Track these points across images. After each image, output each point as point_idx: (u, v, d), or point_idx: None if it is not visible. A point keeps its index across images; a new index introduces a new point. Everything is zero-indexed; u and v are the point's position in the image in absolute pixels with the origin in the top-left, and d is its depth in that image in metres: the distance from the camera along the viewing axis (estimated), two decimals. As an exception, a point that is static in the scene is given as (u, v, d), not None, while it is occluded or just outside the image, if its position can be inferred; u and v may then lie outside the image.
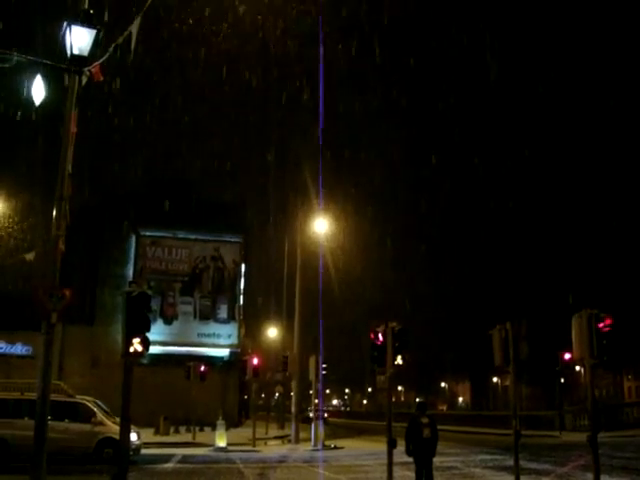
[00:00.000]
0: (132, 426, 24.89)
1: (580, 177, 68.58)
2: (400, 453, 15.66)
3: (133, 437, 23.34)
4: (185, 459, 24.12)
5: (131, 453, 22.74)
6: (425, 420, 16.14)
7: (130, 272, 43.25)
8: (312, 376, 33.19)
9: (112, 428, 23.19)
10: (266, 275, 53.67)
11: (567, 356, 41.71)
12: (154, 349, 11.66)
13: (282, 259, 42.64)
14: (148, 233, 44.48)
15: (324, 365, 34.92)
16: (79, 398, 23.53)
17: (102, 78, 11.33)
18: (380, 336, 15.33)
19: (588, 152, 69.73)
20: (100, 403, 24.17)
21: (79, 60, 11.08)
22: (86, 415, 23.03)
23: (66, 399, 23.11)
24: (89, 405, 23.39)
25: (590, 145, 70.47)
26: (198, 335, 44.16)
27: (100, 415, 23.35)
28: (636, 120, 63.60)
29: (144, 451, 23.40)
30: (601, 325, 13.72)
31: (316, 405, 34.64)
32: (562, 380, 75.06)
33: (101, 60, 11.30)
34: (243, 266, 46.89)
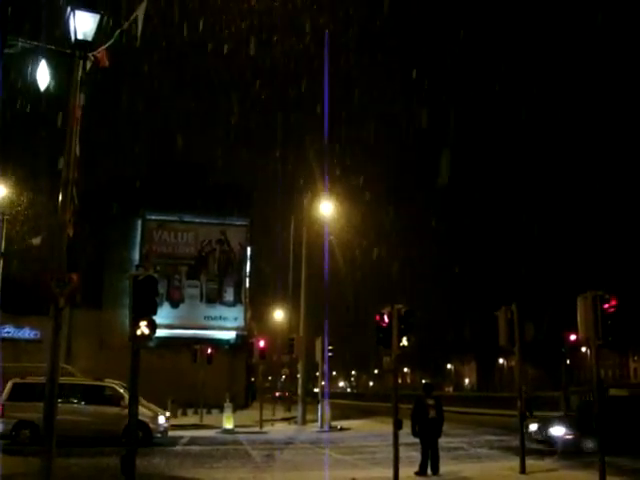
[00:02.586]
0: (159, 409, 25.40)
1: (585, 160, 68.45)
2: (406, 434, 15.77)
3: (161, 419, 23.72)
4: (193, 441, 24.29)
5: (159, 435, 23.14)
6: (431, 401, 16.29)
7: (137, 256, 43.34)
8: (318, 358, 33.35)
9: (141, 411, 23.46)
10: (272, 258, 53.75)
11: (572, 337, 41.74)
12: (161, 332, 11.77)
13: (288, 242, 42.71)
14: (154, 217, 44.54)
15: (330, 347, 35.02)
16: (107, 382, 23.74)
17: (107, 63, 11.34)
18: (386, 318, 15.36)
19: (591, 137, 69.59)
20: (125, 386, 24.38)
21: (83, 45, 11.08)
22: (115, 398, 23.25)
23: (95, 383, 23.48)
24: (117, 388, 23.60)
25: (592, 131, 70.29)
26: (205, 318, 44.31)
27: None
28: (626, 108, 63.37)
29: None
30: (606, 306, 13.75)
31: (322, 387, 34.80)
32: (567, 361, 75.24)
33: (106, 45, 11.31)
34: (249, 249, 46.97)
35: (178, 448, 21.92)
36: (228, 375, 40.01)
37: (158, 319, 11.74)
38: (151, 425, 23.16)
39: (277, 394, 58.71)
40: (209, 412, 36.09)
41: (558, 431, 19.71)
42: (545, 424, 21.20)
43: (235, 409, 31.21)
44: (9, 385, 22.48)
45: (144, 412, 23.61)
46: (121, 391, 23.40)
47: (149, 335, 11.54)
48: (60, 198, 11.13)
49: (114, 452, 14.49)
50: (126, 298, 12.33)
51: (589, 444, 17.17)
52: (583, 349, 68.81)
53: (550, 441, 20.04)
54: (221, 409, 31.06)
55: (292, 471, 16.98)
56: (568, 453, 18.62)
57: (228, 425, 29.52)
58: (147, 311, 11.50)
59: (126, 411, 22.70)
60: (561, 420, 21.51)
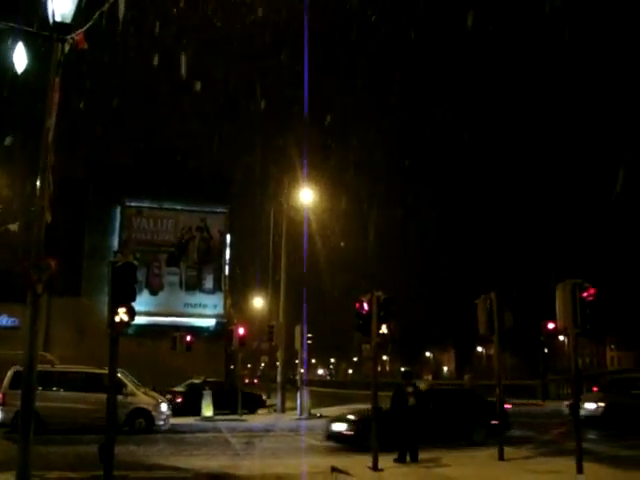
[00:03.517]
0: (159, 396, 25.48)
1: (560, 148, 68.75)
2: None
3: (163, 407, 23.80)
4: (172, 428, 24.22)
5: (162, 423, 23.23)
6: (410, 389, 16.34)
7: (115, 243, 43.03)
8: (298, 345, 33.39)
9: (143, 399, 23.60)
10: (252, 245, 53.63)
11: (550, 326, 42.03)
12: (140, 320, 11.69)
13: (268, 229, 42.62)
14: (133, 203, 44.21)
15: (309, 335, 35.05)
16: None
17: (86, 46, 11.19)
18: (365, 305, 15.40)
19: (572, 128, 69.91)
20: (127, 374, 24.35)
21: (61, 27, 10.92)
22: (119, 387, 23.21)
23: (97, 370, 23.22)
24: (120, 376, 23.56)
25: (573, 122, 70.62)
26: (184, 305, 44.11)
27: (131, 386, 23.58)
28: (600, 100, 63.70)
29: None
30: (585, 295, 13.83)
31: (302, 374, 34.84)
32: (545, 350, 75.71)
33: (85, 27, 11.15)
34: (229, 236, 46.79)
35: (157, 436, 21.86)
36: (207, 362, 39.81)
37: (137, 306, 11.67)
38: (153, 413, 23.29)
39: (246, 381, 58.67)
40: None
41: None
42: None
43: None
44: (10, 373, 22.33)
45: (147, 400, 23.74)
46: (124, 379, 23.43)
47: (128, 322, 11.47)
48: (38, 184, 11.01)
49: (93, 440, 14.42)
50: (105, 285, 12.24)
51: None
52: (561, 338, 69.40)
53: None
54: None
55: (271, 458, 16.99)
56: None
57: (207, 413, 29.51)
58: (126, 298, 11.43)
59: (129, 399, 22.93)
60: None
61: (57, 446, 17.82)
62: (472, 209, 75.30)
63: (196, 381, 33.21)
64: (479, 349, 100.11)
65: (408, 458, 15.55)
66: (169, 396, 30.21)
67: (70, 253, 38.83)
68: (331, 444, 18.86)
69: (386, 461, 14.85)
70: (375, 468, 14.41)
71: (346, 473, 14.32)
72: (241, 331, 33.84)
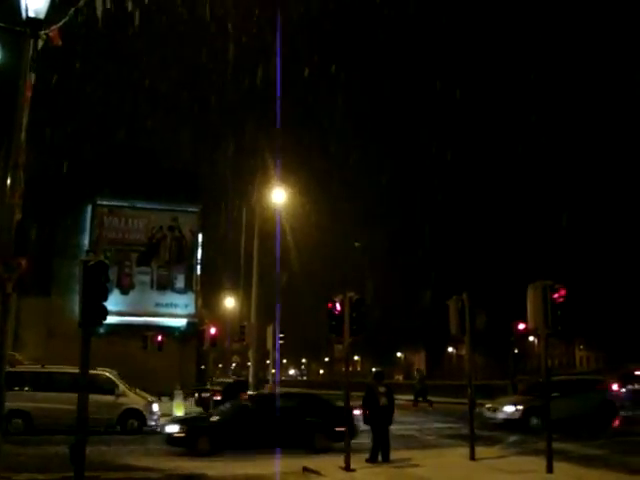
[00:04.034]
0: (150, 396, 25.43)
1: (531, 148, 69.22)
2: (357, 421, 15.87)
3: (155, 407, 23.68)
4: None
5: (153, 423, 23.11)
6: (382, 389, 16.39)
7: (86, 242, 42.74)
8: (270, 345, 33.33)
9: (135, 399, 23.48)
10: (224, 245, 53.44)
11: (521, 326, 42.29)
12: (111, 319, 11.58)
13: (240, 229, 42.52)
14: (105, 202, 43.94)
15: (281, 334, 35.02)
16: (101, 370, 23.59)
17: (61, 43, 11.07)
18: (338, 306, 15.42)
19: (542, 129, 70.37)
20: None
21: (35, 23, 10.78)
22: (109, 387, 23.06)
23: (90, 371, 23.00)
24: (111, 377, 23.47)
25: (544, 123, 71.09)
26: (155, 305, 43.92)
27: (122, 386, 23.46)
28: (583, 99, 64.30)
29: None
30: (555, 296, 13.96)
31: (273, 374, 34.81)
32: (515, 350, 76.19)
33: (59, 24, 11.03)
34: (200, 236, 46.64)
35: (127, 437, 21.69)
36: (178, 362, 39.73)
37: (108, 306, 11.58)
38: (145, 413, 23.23)
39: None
40: (159, 399, 35.81)
41: None
42: None
43: (185, 396, 31.05)
44: None
45: (138, 401, 23.63)
46: (116, 380, 23.35)
47: (100, 322, 11.40)
48: (8, 182, 10.87)
49: (63, 441, 14.29)
50: (76, 284, 12.14)
51: None
52: (531, 338, 69.94)
53: None
54: (171, 396, 30.89)
55: (244, 459, 16.93)
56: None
57: (178, 412, 29.36)
58: (98, 297, 11.34)
59: (121, 399, 22.84)
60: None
61: (34, 447, 17.70)
62: (444, 210, 75.53)
63: (229, 380, 34.95)
64: (450, 349, 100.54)
65: (380, 458, 15.59)
66: (206, 394, 31.63)
67: (40, 252, 38.50)
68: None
69: (358, 461, 14.88)
70: (347, 468, 14.43)
71: (318, 473, 14.34)
72: (213, 331, 33.76)
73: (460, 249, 70.21)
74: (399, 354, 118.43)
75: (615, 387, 33.43)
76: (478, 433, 16.80)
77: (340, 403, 19.50)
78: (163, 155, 47.18)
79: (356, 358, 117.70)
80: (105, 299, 11.39)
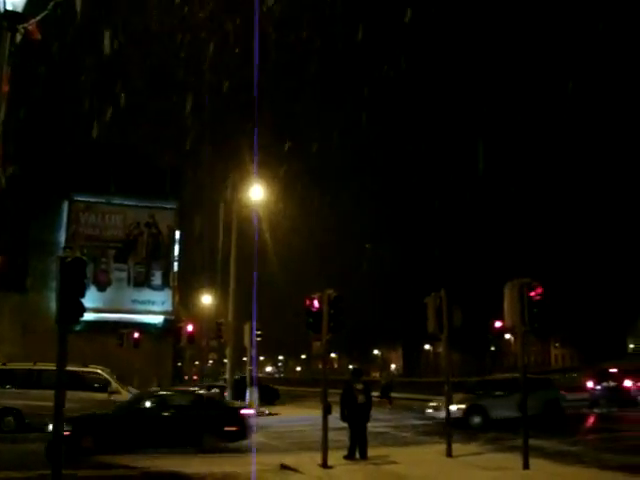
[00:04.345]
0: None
1: (508, 145, 69.58)
2: (335, 419, 15.89)
3: (147, 405, 23.49)
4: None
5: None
6: (360, 386, 16.42)
7: (62, 238, 42.36)
8: (247, 343, 33.26)
9: (127, 397, 23.32)
10: (202, 242, 53.23)
11: (498, 324, 42.65)
12: (87, 316, 11.46)
13: (218, 226, 42.35)
14: (81, 198, 43.59)
15: (258, 332, 34.96)
16: (93, 367, 23.55)
17: (39, 37, 10.97)
18: (316, 303, 15.44)
19: (514, 128, 70.80)
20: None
21: (12, 16, 10.67)
22: (102, 384, 23.04)
23: (81, 369, 23.12)
24: (104, 374, 23.39)
25: (517, 121, 71.53)
26: (132, 302, 43.60)
27: (115, 384, 23.36)
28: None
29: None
30: (532, 294, 14.03)
31: (250, 372, 34.74)
32: (492, 348, 76.77)
33: (38, 18, 10.93)
34: (178, 233, 46.39)
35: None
36: (155, 359, 39.47)
37: (85, 303, 11.50)
38: None
39: (185, 377, 58.29)
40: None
41: None
42: None
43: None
44: None
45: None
46: (108, 377, 23.29)
47: (77, 319, 11.32)
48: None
49: (39, 438, 14.22)
50: (51, 281, 12.09)
51: None
52: (507, 336, 70.43)
53: None
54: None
55: (220, 456, 16.92)
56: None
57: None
58: (75, 294, 11.26)
59: (113, 396, 22.76)
60: None
61: (15, 444, 17.61)
62: (422, 208, 75.84)
63: (236, 377, 35.03)
64: (427, 347, 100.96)
65: (357, 455, 15.62)
66: (216, 390, 32.84)
67: (15, 248, 38.23)
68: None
69: (336, 458, 14.90)
70: (325, 465, 14.46)
71: (295, 470, 14.35)
72: (190, 328, 33.71)
73: (438, 247, 70.47)
74: (376, 351, 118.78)
75: (590, 384, 33.86)
76: (422, 432, 16.81)
77: (236, 403, 19.51)
78: (140, 151, 46.87)
79: (333, 355, 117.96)
80: (82, 296, 11.31)
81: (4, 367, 23.39)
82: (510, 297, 14.18)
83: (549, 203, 62.98)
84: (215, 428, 17.99)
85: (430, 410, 24.55)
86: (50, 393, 21.44)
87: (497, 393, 23.17)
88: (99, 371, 23.48)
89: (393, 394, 40.38)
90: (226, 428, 17.48)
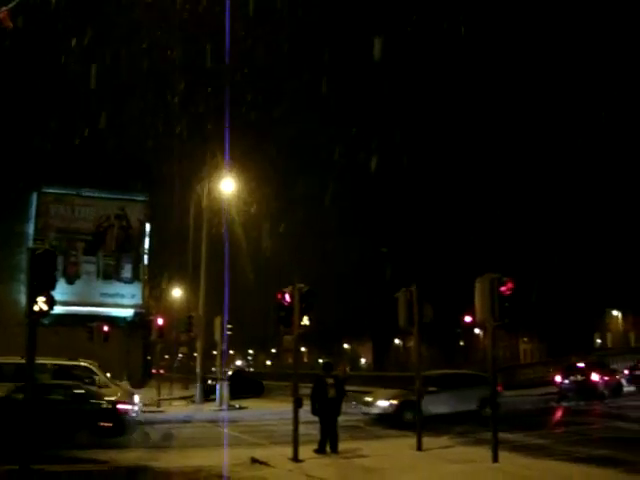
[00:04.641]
0: (131, 388, 25.32)
1: (480, 146, 69.95)
2: (306, 412, 15.90)
3: (135, 399, 23.51)
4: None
5: (134, 415, 22.88)
6: (331, 380, 16.41)
7: (31, 230, 42.06)
8: (217, 337, 33.15)
9: (115, 390, 23.24)
10: (172, 235, 53.03)
11: (468, 319, 42.95)
12: (56, 309, 11.34)
13: (188, 219, 42.17)
14: (51, 190, 43.26)
15: (229, 326, 34.89)
16: (82, 361, 23.45)
17: (11, 25, 10.84)
18: (287, 297, 15.43)
19: (486, 122, 71.13)
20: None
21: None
22: (90, 378, 22.85)
23: (69, 362, 23.08)
24: (92, 368, 23.28)
25: (487, 116, 71.82)
26: (101, 295, 43.42)
27: (103, 378, 23.24)
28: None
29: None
30: (503, 289, 14.11)
31: (221, 365, 34.65)
32: (461, 342, 77.23)
33: (10, 5, 10.80)
34: (148, 225, 46.20)
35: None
36: (125, 353, 39.31)
37: (54, 295, 11.41)
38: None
39: (153, 371, 58.11)
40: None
41: None
42: None
43: (132, 387, 30.81)
44: None
45: (118, 392, 23.44)
46: (96, 371, 23.22)
47: (47, 311, 11.21)
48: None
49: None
50: (19, 273, 12.00)
51: None
52: (477, 331, 70.91)
53: None
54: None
55: (190, 450, 16.89)
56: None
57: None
58: (45, 286, 11.16)
59: (102, 390, 22.61)
60: None
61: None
62: (391, 201, 75.96)
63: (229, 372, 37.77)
64: (397, 341, 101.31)
65: (328, 449, 15.64)
66: (212, 382, 34.63)
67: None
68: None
69: (307, 452, 14.92)
70: (295, 459, 14.47)
71: (266, 464, 14.34)
72: (160, 321, 33.54)
73: (408, 242, 70.68)
74: (346, 345, 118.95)
75: (558, 379, 34.21)
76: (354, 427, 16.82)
77: (115, 398, 19.40)
78: (111, 143, 46.59)
79: (303, 349, 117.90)
80: (53, 288, 11.23)
81: None
82: (481, 292, 14.25)
83: (518, 199, 63.39)
84: (89, 423, 17.45)
85: (364, 407, 24.29)
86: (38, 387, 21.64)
87: (431, 389, 22.99)
88: (86, 364, 23.41)
89: (354, 388, 40.55)
90: (101, 424, 17.07)
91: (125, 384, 26.67)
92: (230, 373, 37.69)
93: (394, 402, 22.74)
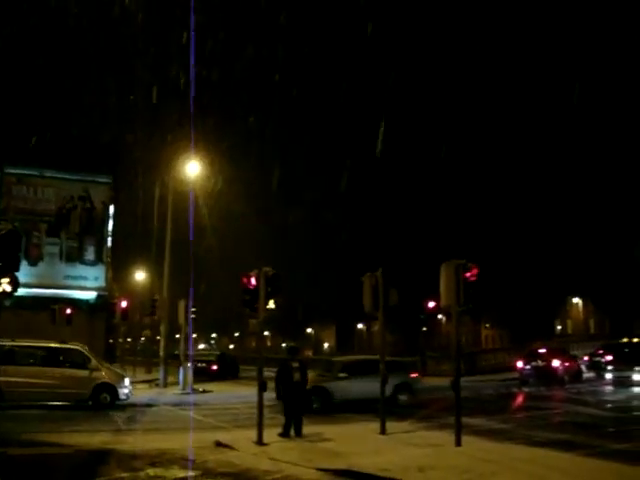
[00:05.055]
0: (122, 371, 25.39)
1: (441, 132, 70.16)
2: (270, 396, 15.97)
3: (127, 382, 23.62)
4: (53, 404, 23.64)
5: (124, 397, 23.12)
6: (296, 364, 16.48)
7: (-8, 211, 41.42)
8: (181, 320, 33.05)
9: (108, 374, 23.46)
10: (137, 217, 52.58)
11: (431, 304, 43.22)
12: (19, 291, 11.20)
13: (153, 201, 41.89)
14: (13, 170, 42.60)
15: (193, 309, 34.79)
16: (73, 344, 23.61)
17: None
18: (253, 280, 15.44)
19: (452, 110, 71.31)
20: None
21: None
22: (82, 361, 23.07)
23: (61, 345, 23.40)
24: (84, 351, 23.37)
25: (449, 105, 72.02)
26: (64, 277, 42.91)
27: (95, 361, 23.36)
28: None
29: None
30: (468, 274, 14.24)
31: (185, 349, 34.55)
32: (424, 328, 77.69)
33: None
34: (112, 207, 45.73)
35: (35, 412, 21.25)
36: (88, 336, 38.76)
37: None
38: (118, 388, 23.20)
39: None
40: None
41: None
42: None
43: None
44: None
45: (111, 375, 23.52)
46: (88, 355, 23.44)
47: (11, 293, 11.11)
48: None
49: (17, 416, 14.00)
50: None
51: None
52: (439, 316, 71.39)
53: None
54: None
55: (155, 433, 16.88)
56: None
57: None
58: (9, 267, 11.04)
59: (94, 374, 22.78)
60: None
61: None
62: (357, 187, 75.98)
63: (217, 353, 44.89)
64: (360, 326, 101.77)
65: (292, 432, 15.71)
66: (203, 364, 38.24)
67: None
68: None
69: (271, 436, 14.96)
70: (260, 442, 14.52)
71: (230, 447, 14.37)
72: (124, 304, 33.37)
73: (373, 227, 70.83)
74: (309, 330, 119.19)
75: (520, 364, 34.65)
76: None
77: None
78: (75, 123, 46.02)
79: (266, 333, 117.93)
80: (17, 270, 11.12)
81: None
82: (446, 277, 14.36)
83: (481, 186, 63.77)
84: None
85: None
86: (29, 370, 22.03)
87: (341, 375, 22.78)
88: (79, 348, 23.58)
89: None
90: None
91: (115, 367, 26.96)
92: (218, 353, 44.87)
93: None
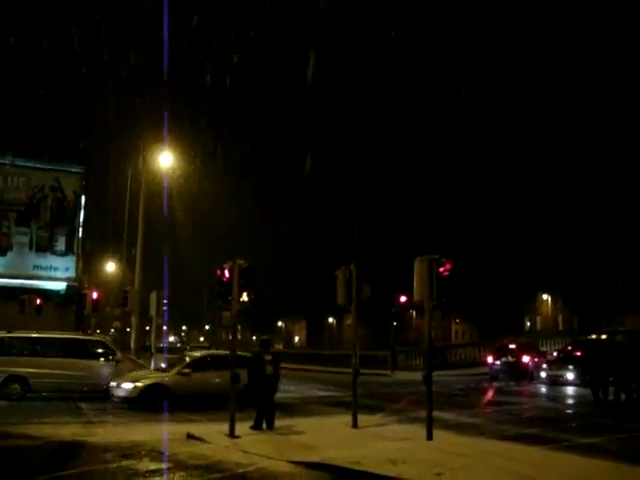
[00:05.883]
0: (143, 362, 25.31)
1: (425, 127, 70.46)
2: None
3: None
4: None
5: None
6: (268, 357, 16.48)
7: (-40, 199, 40.92)
8: (153, 312, 32.89)
9: (133, 365, 23.59)
10: (108, 208, 52.22)
11: (403, 299, 43.44)
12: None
13: (125, 192, 41.63)
14: (-18, 159, 42.13)
15: (164, 301, 34.67)
16: (99, 336, 23.68)
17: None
18: (226, 272, 15.41)
19: (436, 106, 71.60)
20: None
21: None
22: (107, 353, 23.22)
23: (87, 337, 24.25)
24: (107, 343, 23.49)
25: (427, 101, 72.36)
26: (34, 267, 42.48)
27: (119, 353, 23.53)
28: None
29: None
30: (441, 269, 14.32)
31: (156, 341, 34.43)
32: (395, 322, 78.10)
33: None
34: (84, 198, 45.35)
35: (4, 403, 21.04)
36: (57, 327, 38.33)
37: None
38: None
39: None
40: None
41: None
42: None
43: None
44: None
45: (134, 367, 23.58)
46: (112, 346, 23.87)
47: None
48: None
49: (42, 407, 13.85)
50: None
51: None
52: (410, 311, 71.79)
53: None
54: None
55: (126, 426, 16.78)
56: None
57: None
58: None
59: (120, 365, 22.69)
60: None
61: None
62: (331, 180, 76.13)
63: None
64: (330, 320, 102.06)
65: (264, 425, 15.71)
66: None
67: None
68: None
69: (243, 429, 14.95)
70: (232, 435, 14.50)
71: (202, 440, 14.34)
72: (94, 295, 33.15)
73: (345, 221, 71.00)
74: (280, 323, 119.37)
75: (490, 359, 34.94)
76: (360, 401, 17.08)
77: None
78: (47, 112, 45.56)
79: (237, 326, 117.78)
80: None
81: (10, 335, 23.34)
82: (420, 272, 14.42)
83: (453, 183, 64.20)
84: None
85: (113, 389, 21.37)
86: (53, 361, 22.18)
87: (184, 371, 22.18)
88: (104, 340, 23.82)
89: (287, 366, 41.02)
90: None
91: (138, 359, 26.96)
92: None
93: (139, 385, 20.84)
